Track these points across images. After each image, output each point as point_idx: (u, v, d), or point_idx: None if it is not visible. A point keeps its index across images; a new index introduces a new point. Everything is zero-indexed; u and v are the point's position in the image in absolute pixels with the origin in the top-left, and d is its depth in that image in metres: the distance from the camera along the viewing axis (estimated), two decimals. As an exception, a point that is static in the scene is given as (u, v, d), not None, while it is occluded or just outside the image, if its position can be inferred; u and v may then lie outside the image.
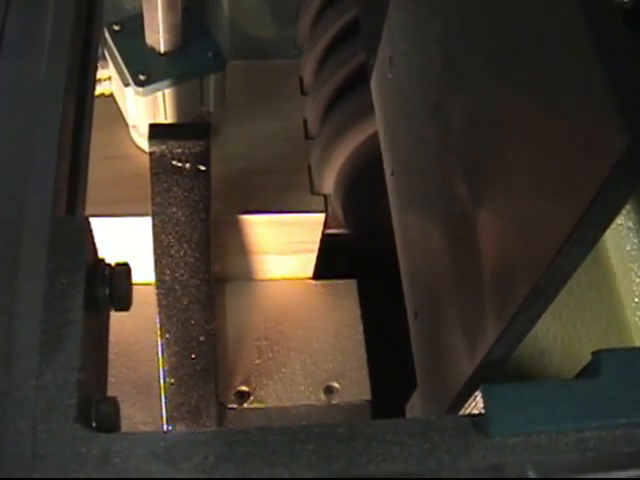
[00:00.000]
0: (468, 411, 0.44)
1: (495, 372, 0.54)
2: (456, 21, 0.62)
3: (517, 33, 0.49)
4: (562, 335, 0.88)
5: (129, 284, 0.46)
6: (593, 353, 0.45)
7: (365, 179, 0.99)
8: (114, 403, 0.43)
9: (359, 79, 0.94)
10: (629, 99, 0.37)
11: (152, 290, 0.92)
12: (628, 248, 0.84)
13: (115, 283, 0.46)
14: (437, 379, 0.70)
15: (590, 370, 0.44)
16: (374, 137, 0.87)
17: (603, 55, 0.38)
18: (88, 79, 0.63)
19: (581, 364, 0.46)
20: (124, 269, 0.46)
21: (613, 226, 0.41)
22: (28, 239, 0.45)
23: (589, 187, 0.39)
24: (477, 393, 0.43)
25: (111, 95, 0.98)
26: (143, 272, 0.89)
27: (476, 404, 0.43)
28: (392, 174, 0.85)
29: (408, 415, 0.87)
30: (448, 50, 0.64)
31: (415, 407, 0.83)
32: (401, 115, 0.81)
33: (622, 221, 0.81)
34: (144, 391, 1.03)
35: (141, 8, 0.88)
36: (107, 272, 0.46)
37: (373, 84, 0.90)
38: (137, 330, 1.05)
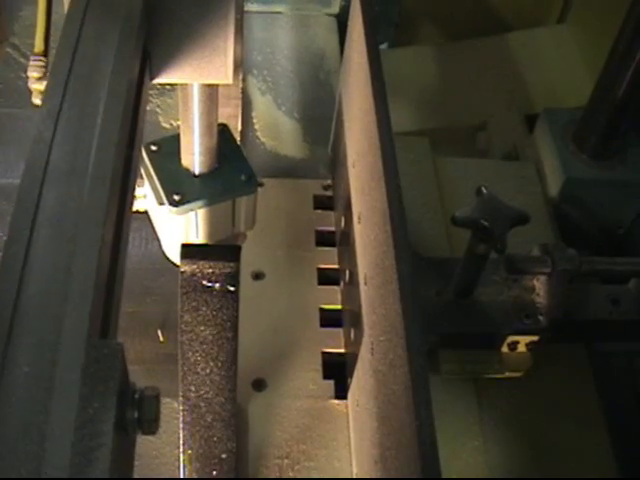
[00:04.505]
0: None
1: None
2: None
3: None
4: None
5: (157, 409, 0.47)
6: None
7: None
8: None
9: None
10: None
11: (176, 405, 0.93)
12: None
13: (144, 408, 0.47)
14: None
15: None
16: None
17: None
18: (126, 200, 0.65)
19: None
20: (154, 394, 0.48)
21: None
22: (63, 361, 0.46)
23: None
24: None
25: (145, 212, 1.01)
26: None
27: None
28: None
29: None
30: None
31: None
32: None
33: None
34: (165, 507, 1.03)
35: (178, 128, 0.91)
36: (137, 396, 0.47)
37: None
38: (159, 444, 1.06)
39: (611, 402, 1.26)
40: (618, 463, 1.18)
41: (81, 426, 0.43)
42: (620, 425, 1.26)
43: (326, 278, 1.26)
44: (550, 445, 1.19)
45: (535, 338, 1.19)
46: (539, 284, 1.20)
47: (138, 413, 0.47)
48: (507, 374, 1.21)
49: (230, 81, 0.77)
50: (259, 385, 1.14)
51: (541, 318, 1.18)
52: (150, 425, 0.48)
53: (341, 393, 1.13)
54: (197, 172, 0.93)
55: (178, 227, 0.94)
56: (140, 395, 0.48)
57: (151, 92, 1.48)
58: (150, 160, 0.95)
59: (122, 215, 0.62)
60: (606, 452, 1.19)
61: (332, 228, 1.31)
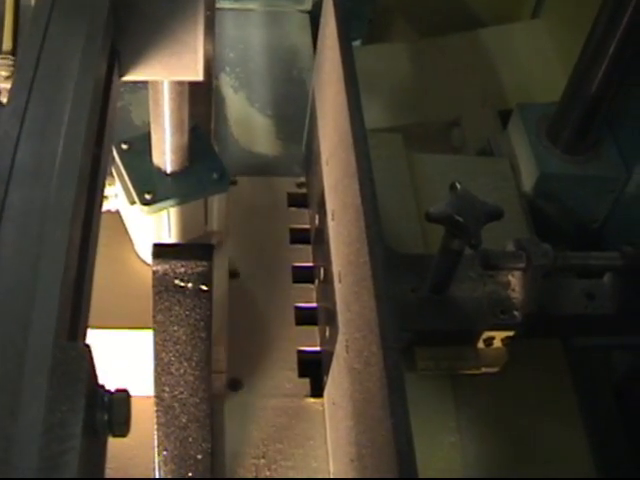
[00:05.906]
0: None
1: None
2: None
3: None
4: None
5: (128, 411, 0.47)
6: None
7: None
8: (109, 531, 0.43)
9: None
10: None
11: (151, 403, 0.92)
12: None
13: (114, 410, 0.46)
14: None
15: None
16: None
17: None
18: (95, 199, 0.64)
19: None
20: (123, 396, 0.47)
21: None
22: (30, 364, 0.45)
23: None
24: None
25: (117, 212, 1.00)
26: (143, 385, 0.89)
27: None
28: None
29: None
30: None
31: None
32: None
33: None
34: (139, 509, 1.02)
35: (149, 126, 0.90)
36: (106, 398, 0.47)
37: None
38: (134, 445, 1.04)
39: (587, 397, 1.26)
40: (594, 458, 1.18)
41: (49, 430, 0.42)
42: (596, 420, 1.26)
43: (301, 276, 1.26)
44: (527, 441, 1.19)
45: (511, 333, 1.19)
46: (514, 279, 1.20)
47: (108, 415, 0.47)
48: (483, 370, 1.21)
49: (200, 78, 0.76)
50: (234, 385, 1.13)
51: (516, 313, 1.18)
52: (121, 427, 0.47)
53: (317, 391, 1.13)
54: (169, 170, 0.92)
55: (150, 226, 0.93)
56: (110, 397, 0.47)
57: (123, 89, 1.47)
58: (121, 159, 0.94)
59: (91, 214, 0.61)
60: (582, 447, 1.19)
61: (306, 226, 1.30)
